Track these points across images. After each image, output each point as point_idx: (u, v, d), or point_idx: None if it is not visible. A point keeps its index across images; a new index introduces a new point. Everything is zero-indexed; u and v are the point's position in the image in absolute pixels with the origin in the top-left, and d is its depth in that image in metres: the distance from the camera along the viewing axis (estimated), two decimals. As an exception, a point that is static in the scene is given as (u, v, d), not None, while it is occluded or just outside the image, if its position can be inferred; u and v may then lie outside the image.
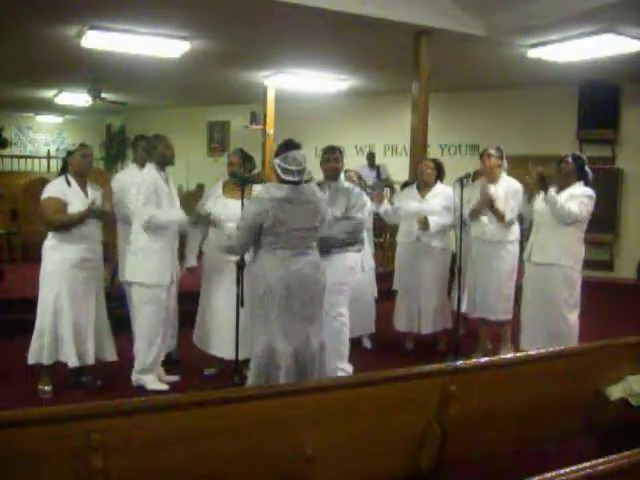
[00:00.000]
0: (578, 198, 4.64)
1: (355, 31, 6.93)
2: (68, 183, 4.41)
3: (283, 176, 3.68)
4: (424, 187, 5.55)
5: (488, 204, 5.13)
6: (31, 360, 4.34)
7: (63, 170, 4.53)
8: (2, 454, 2.03)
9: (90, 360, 4.41)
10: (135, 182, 4.50)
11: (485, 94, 10.61)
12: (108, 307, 4.74)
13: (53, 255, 4.37)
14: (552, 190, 4.66)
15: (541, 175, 4.71)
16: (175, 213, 4.50)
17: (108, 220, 4.66)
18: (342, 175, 4.82)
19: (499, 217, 5.13)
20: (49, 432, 2.09)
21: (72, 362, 4.32)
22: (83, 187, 4.48)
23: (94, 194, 4.52)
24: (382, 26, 6.58)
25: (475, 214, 5.23)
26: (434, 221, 5.33)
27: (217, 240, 4.47)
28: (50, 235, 4.41)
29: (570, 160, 4.74)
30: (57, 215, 4.34)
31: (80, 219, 4.35)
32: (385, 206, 5.71)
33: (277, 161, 3.72)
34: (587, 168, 4.76)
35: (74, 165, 4.46)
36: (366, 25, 6.59)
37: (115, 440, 2.14)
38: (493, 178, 5.24)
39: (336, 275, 4.53)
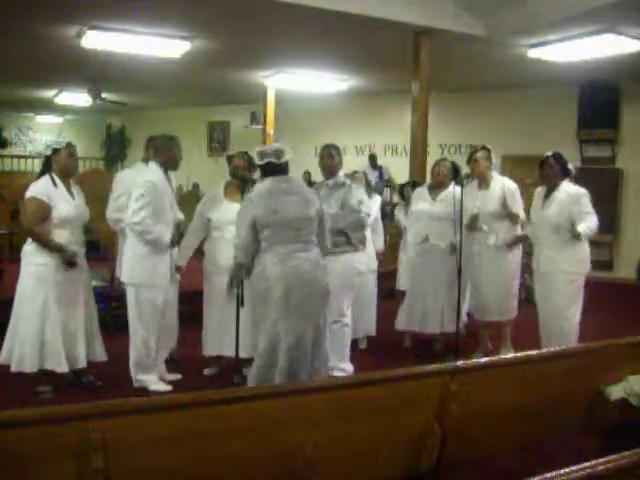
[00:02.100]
0: (582, 207, 4.61)
1: (355, 31, 6.94)
2: (54, 183, 4.23)
3: (261, 160, 3.86)
4: (437, 188, 5.48)
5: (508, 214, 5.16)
6: (14, 368, 4.20)
7: (45, 169, 4.30)
8: (2, 454, 2.03)
9: (82, 364, 4.33)
10: (140, 182, 4.38)
11: (485, 94, 10.62)
12: (108, 307, 4.72)
13: (35, 260, 4.21)
14: (579, 228, 4.53)
15: (575, 232, 4.57)
16: (161, 233, 4.35)
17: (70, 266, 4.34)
18: (341, 172, 4.81)
19: (514, 220, 5.15)
20: (49, 432, 2.09)
21: (61, 368, 4.20)
22: (68, 188, 4.31)
23: (79, 197, 4.39)
24: (382, 26, 6.58)
25: (471, 228, 5.21)
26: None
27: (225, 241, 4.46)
28: (30, 239, 4.26)
29: (553, 162, 4.74)
30: (36, 226, 4.15)
31: (54, 250, 4.16)
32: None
33: (255, 154, 3.94)
34: (570, 165, 4.79)
35: (60, 164, 4.27)
36: (366, 25, 6.59)
37: (115, 440, 2.14)
38: (485, 181, 5.24)
39: (339, 276, 4.53)
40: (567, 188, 4.70)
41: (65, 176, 4.32)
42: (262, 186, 3.84)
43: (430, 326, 5.47)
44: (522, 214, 5.20)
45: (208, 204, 4.78)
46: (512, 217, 5.16)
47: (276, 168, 3.86)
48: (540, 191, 4.87)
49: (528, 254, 5.93)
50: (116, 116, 15.54)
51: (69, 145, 4.38)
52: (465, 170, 5.34)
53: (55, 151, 4.31)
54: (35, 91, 12.19)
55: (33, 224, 4.19)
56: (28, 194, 4.23)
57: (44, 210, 4.17)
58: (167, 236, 4.39)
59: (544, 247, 4.77)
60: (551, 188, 4.76)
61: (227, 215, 4.58)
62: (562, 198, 4.67)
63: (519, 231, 5.27)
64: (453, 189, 5.34)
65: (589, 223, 4.60)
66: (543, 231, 4.77)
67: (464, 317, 5.76)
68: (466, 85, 10.33)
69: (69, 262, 4.22)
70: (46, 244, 4.18)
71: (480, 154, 5.24)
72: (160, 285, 4.43)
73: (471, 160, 5.28)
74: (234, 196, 4.62)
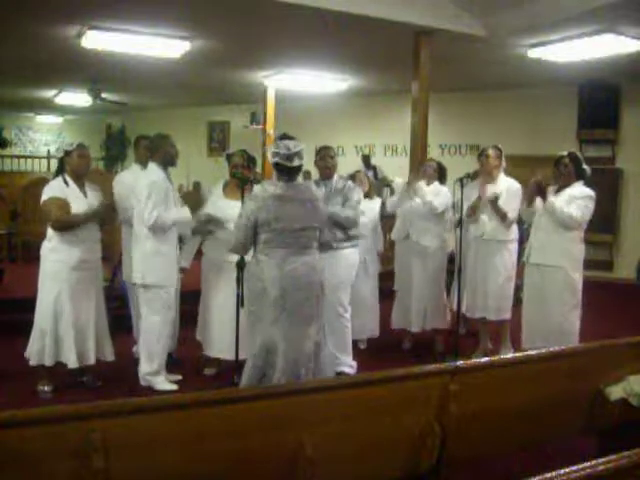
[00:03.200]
0: (578, 200, 4.62)
1: (355, 31, 6.93)
2: (66, 184, 4.36)
3: (271, 159, 3.72)
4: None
5: (491, 203, 5.13)
6: (33, 362, 4.34)
7: (60, 170, 4.45)
8: (2, 454, 2.03)
9: (91, 360, 4.41)
10: (144, 183, 4.43)
11: (485, 94, 10.61)
12: (108, 307, 4.74)
13: (52, 257, 4.34)
14: (550, 197, 4.65)
15: (539, 184, 4.71)
16: (182, 212, 4.49)
17: (111, 217, 4.67)
18: (336, 175, 4.82)
19: (501, 216, 5.12)
20: (49, 432, 2.09)
21: (72, 363, 4.32)
22: (81, 188, 4.44)
23: (93, 194, 4.50)
24: (382, 26, 6.58)
25: (472, 211, 5.22)
26: (425, 192, 5.38)
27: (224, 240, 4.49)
28: (49, 237, 4.37)
29: (568, 161, 4.73)
30: (63, 214, 4.29)
31: (86, 220, 4.33)
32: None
33: (270, 147, 3.78)
34: (585, 166, 4.77)
35: (71, 165, 4.40)
36: (366, 25, 6.59)
37: (115, 440, 2.14)
38: (492, 178, 5.25)
39: (338, 273, 4.57)
40: (578, 188, 4.69)
41: (77, 176, 4.42)
42: (269, 189, 3.73)
43: (414, 324, 5.53)
44: (512, 215, 5.16)
45: (207, 200, 4.80)
46: (498, 212, 5.14)
47: (285, 169, 3.74)
48: (551, 190, 4.84)
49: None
50: (116, 116, 15.53)
51: (80, 146, 4.46)
52: (467, 170, 5.35)
53: (67, 153, 4.41)
54: (35, 91, 12.18)
55: (58, 214, 4.30)
56: (44, 197, 4.36)
57: (65, 205, 4.31)
58: (185, 212, 4.48)
59: (540, 235, 4.74)
60: (562, 187, 4.73)
61: (226, 213, 4.60)
62: (570, 194, 4.65)
63: (514, 230, 5.28)
64: (438, 187, 5.49)
65: (565, 207, 4.58)
66: (544, 223, 4.74)
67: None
68: (466, 85, 10.32)
69: (107, 211, 4.45)
70: (76, 221, 4.31)
71: (492, 151, 5.27)
72: (172, 285, 4.50)
73: (482, 155, 5.30)
74: (233, 195, 4.64)
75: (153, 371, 4.48)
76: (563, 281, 4.66)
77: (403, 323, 5.67)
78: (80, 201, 4.37)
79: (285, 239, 3.67)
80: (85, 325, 4.38)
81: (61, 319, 4.31)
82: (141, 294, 4.53)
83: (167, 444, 2.26)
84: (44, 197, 4.35)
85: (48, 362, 4.31)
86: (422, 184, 5.46)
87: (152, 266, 4.43)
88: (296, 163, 3.71)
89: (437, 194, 5.42)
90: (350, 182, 4.83)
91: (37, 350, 4.33)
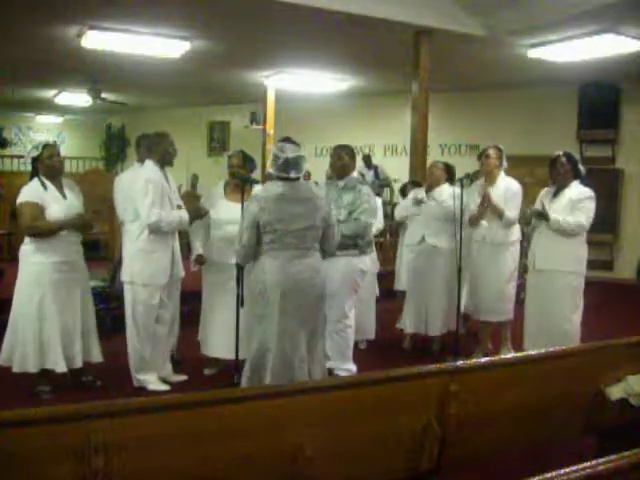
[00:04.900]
0: (581, 204, 4.62)
1: (355, 31, 6.94)
2: (44, 186, 4.24)
3: (273, 169, 3.72)
4: (432, 189, 5.56)
5: (487, 202, 5.12)
6: (16, 369, 4.23)
7: (34, 173, 4.31)
8: (2, 454, 2.03)
9: (78, 363, 4.33)
10: (141, 181, 4.38)
11: (485, 94, 10.62)
12: (108, 307, 4.73)
13: (32, 259, 4.23)
14: (552, 215, 4.63)
15: (537, 212, 4.73)
16: (179, 215, 4.45)
17: (85, 230, 4.47)
18: (354, 174, 4.81)
19: (498, 214, 5.11)
20: (49, 432, 2.08)
21: (60, 368, 4.22)
22: (59, 188, 4.32)
23: (72, 194, 4.39)
24: (382, 26, 6.58)
25: (475, 220, 5.21)
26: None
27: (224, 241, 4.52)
28: (27, 239, 4.28)
29: (564, 160, 4.73)
30: (34, 222, 4.18)
31: (58, 228, 4.20)
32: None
33: (273, 149, 3.81)
34: (580, 165, 4.78)
35: (43, 169, 4.27)
36: (366, 25, 6.59)
37: (115, 440, 2.14)
38: (492, 178, 5.24)
39: (341, 277, 4.54)
40: (577, 188, 4.70)
41: (53, 177, 4.31)
42: (271, 190, 3.73)
43: (433, 328, 5.51)
44: (512, 214, 5.13)
45: (207, 201, 4.80)
46: (494, 210, 5.12)
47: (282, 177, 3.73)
48: (547, 191, 4.86)
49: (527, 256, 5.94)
50: (116, 116, 15.53)
51: (47, 146, 4.34)
52: (467, 170, 5.35)
53: (34, 159, 4.30)
54: (35, 91, 12.19)
55: (32, 221, 4.20)
56: (19, 199, 4.25)
57: (38, 212, 4.19)
58: (184, 215, 4.47)
59: (543, 240, 4.74)
60: (561, 187, 4.74)
61: (225, 214, 4.60)
62: (570, 196, 4.66)
63: (516, 231, 5.27)
64: (452, 190, 5.36)
65: (570, 218, 4.59)
66: (546, 229, 4.74)
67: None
68: (466, 85, 10.33)
69: (84, 225, 4.32)
70: (50, 229, 4.20)
71: (492, 151, 5.26)
72: (157, 285, 4.44)
73: (482, 155, 5.30)
74: (233, 195, 4.63)
75: (141, 370, 4.46)
76: (568, 284, 4.66)
77: (418, 327, 5.60)
78: (59, 203, 4.25)
79: (288, 240, 3.67)
80: (71, 328, 4.29)
81: (45, 324, 4.19)
82: (126, 291, 4.48)
83: (167, 444, 2.25)
84: (20, 199, 4.24)
85: (33, 369, 4.21)
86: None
87: (138, 264, 4.40)
88: (293, 175, 3.70)
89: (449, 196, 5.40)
90: (364, 187, 4.74)
91: (19, 357, 4.20)
